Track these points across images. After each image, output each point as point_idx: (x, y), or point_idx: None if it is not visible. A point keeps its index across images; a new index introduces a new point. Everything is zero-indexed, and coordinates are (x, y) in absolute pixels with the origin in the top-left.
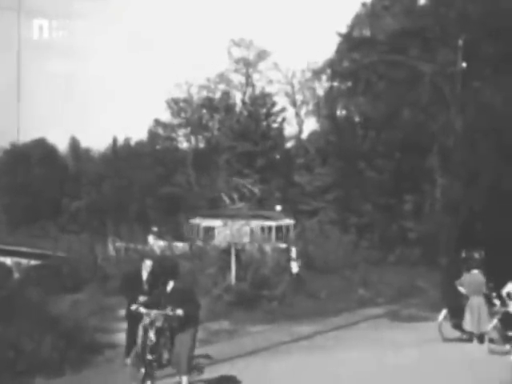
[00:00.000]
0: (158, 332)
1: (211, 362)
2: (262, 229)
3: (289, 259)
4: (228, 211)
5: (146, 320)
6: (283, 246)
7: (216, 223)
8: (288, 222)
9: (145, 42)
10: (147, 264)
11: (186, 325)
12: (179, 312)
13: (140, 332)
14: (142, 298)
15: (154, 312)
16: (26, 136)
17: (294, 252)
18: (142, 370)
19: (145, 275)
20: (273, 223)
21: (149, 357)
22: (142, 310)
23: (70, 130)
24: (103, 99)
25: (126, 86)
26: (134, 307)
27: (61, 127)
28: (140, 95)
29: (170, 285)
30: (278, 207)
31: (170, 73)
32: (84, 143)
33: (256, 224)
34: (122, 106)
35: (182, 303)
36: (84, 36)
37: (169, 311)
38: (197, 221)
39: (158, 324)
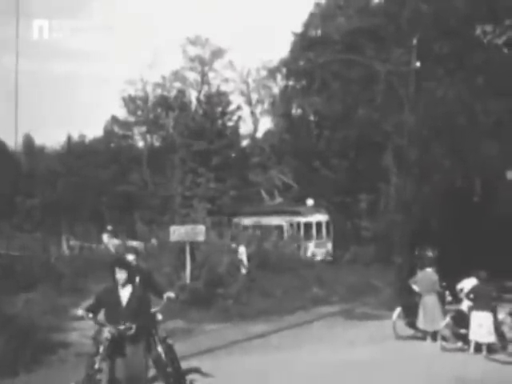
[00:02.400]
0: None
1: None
2: (291, 225)
3: (239, 260)
4: (266, 208)
5: (103, 333)
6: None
7: (252, 221)
8: (319, 217)
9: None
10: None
11: (136, 338)
12: (132, 323)
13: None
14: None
15: (108, 326)
16: None
17: (243, 252)
18: None
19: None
20: (302, 219)
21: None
22: (96, 319)
23: (24, 127)
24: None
25: (82, 83)
26: (80, 312)
27: (12, 124)
28: (96, 92)
29: (127, 288)
30: (310, 201)
31: (125, 70)
32: (38, 140)
33: (286, 220)
34: (77, 102)
35: (138, 312)
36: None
37: (122, 326)
38: (238, 220)
39: (108, 336)
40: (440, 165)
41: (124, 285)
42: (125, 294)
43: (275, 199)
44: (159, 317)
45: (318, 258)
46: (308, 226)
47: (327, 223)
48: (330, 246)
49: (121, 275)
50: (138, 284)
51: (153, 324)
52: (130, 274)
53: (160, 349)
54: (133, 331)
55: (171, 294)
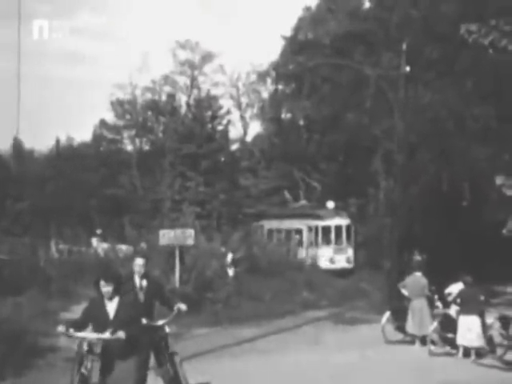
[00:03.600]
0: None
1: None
2: (310, 229)
3: (225, 265)
4: (288, 210)
5: (83, 347)
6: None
7: (275, 224)
8: (339, 221)
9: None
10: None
11: (129, 351)
12: (121, 335)
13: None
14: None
15: (90, 336)
16: None
17: (229, 257)
18: None
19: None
20: (319, 223)
21: None
22: (76, 333)
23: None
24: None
25: (71, 86)
26: (60, 328)
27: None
28: (86, 96)
29: (114, 300)
30: (331, 204)
31: (115, 74)
32: (28, 144)
33: (305, 224)
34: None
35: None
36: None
37: (108, 334)
38: (261, 223)
39: (97, 350)
40: (428, 169)
41: (111, 298)
42: (112, 306)
43: (299, 201)
44: (167, 329)
45: (337, 265)
46: (326, 230)
47: (348, 227)
48: (350, 251)
49: (107, 289)
50: (145, 292)
51: (161, 337)
52: (116, 286)
53: (169, 365)
54: (120, 338)
55: (182, 306)
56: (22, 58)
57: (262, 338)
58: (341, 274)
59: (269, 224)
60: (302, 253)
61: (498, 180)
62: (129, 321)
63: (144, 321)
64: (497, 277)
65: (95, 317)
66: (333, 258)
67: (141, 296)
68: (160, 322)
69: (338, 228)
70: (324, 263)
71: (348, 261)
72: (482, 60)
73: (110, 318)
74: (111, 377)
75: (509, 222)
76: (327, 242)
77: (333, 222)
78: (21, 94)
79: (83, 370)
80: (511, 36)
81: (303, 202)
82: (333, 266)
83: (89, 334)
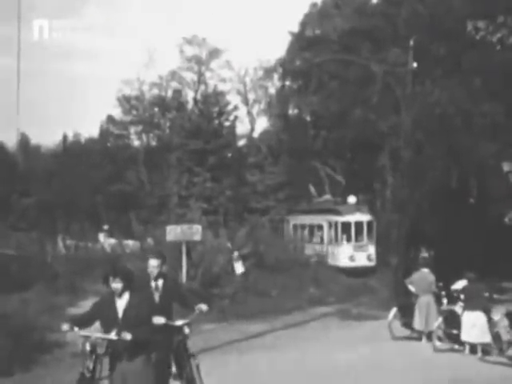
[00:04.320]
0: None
1: None
2: (330, 225)
3: (231, 260)
4: (312, 206)
5: (85, 346)
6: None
7: (299, 220)
8: (360, 217)
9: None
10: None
11: (134, 353)
12: (127, 336)
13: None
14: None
15: (94, 335)
16: None
17: (235, 253)
18: None
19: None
20: (339, 219)
21: None
22: (80, 332)
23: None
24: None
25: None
26: (65, 327)
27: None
28: (93, 92)
29: (124, 297)
30: (352, 199)
31: (122, 69)
32: (34, 139)
33: (326, 220)
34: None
35: (135, 323)
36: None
37: (113, 335)
38: (288, 217)
39: (100, 351)
40: (435, 166)
41: (120, 294)
42: (121, 303)
43: (324, 196)
44: (186, 331)
45: (357, 263)
46: (346, 226)
47: (369, 223)
48: (371, 249)
49: (116, 285)
50: (161, 293)
51: (180, 339)
52: (126, 282)
53: (188, 369)
54: (127, 340)
55: (203, 307)
56: (26, 55)
57: (269, 333)
58: (361, 273)
59: (294, 219)
60: (323, 250)
61: (506, 166)
62: (136, 321)
63: (162, 320)
64: (504, 273)
65: (104, 313)
66: (353, 255)
67: (156, 297)
68: (179, 323)
69: (359, 224)
70: (343, 261)
71: (369, 258)
72: (490, 57)
73: (119, 316)
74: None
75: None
76: (348, 238)
77: (353, 218)
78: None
79: (83, 370)
80: None
81: (327, 196)
82: (353, 264)
83: (93, 334)
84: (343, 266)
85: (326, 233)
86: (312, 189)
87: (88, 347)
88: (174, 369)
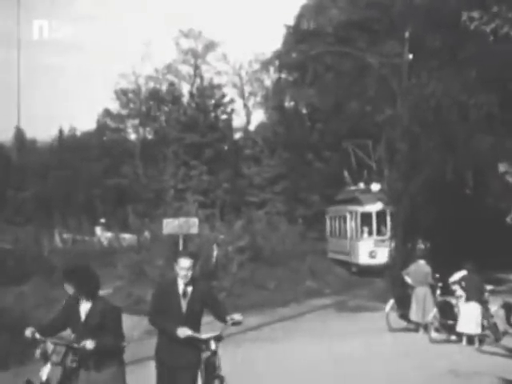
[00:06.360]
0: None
1: None
2: (351, 217)
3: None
4: (344, 194)
5: (37, 352)
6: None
7: (333, 211)
8: (382, 207)
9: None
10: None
11: (102, 363)
12: (88, 345)
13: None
14: None
15: (50, 341)
16: None
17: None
18: None
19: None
20: (358, 209)
21: None
22: (38, 337)
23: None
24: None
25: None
26: (27, 333)
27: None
28: (89, 85)
29: (87, 304)
30: (376, 186)
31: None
32: (30, 134)
33: (348, 210)
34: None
35: (98, 331)
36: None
37: (74, 342)
38: (327, 209)
39: (55, 359)
40: (432, 158)
41: (77, 299)
42: (85, 307)
43: (358, 184)
44: (213, 346)
45: (378, 260)
46: (366, 216)
47: (393, 214)
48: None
49: (68, 288)
50: (190, 299)
51: (208, 357)
52: (78, 286)
53: None
54: (89, 348)
55: (238, 318)
56: (22, 48)
57: (266, 326)
58: (382, 271)
59: (330, 211)
60: (346, 246)
61: (501, 167)
62: (98, 329)
63: (189, 332)
64: (501, 264)
65: (69, 318)
66: (373, 251)
67: (183, 304)
68: (205, 336)
69: (381, 215)
70: (363, 258)
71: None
72: (485, 47)
73: (82, 321)
74: None
75: None
76: (369, 232)
77: (373, 208)
78: (22, 84)
79: (29, 379)
80: None
81: (361, 184)
82: (373, 262)
83: (50, 339)
84: (362, 264)
85: (349, 225)
86: (346, 175)
87: (38, 354)
88: None
